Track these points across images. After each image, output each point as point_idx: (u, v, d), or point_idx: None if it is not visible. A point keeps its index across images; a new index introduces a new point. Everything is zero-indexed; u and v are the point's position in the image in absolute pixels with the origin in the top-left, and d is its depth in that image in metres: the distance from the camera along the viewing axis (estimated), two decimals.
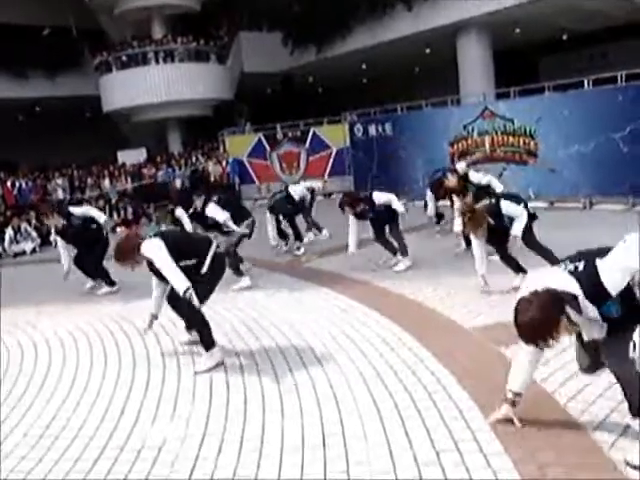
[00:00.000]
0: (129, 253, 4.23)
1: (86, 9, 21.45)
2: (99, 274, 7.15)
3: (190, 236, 5.75)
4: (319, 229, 9.20)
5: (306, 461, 2.84)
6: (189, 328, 4.68)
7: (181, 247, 4.31)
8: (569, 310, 2.46)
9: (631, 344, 2.33)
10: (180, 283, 4.06)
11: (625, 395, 2.67)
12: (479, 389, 3.35)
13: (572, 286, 2.50)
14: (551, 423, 2.91)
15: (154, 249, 4.16)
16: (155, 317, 4.64)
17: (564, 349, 3.81)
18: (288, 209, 8.40)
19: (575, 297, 2.48)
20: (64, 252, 7.14)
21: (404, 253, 6.62)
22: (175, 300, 4.44)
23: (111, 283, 7.07)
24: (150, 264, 4.27)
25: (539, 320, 2.41)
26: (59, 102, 21.79)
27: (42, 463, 3.12)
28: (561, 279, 2.55)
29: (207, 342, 4.22)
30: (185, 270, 4.15)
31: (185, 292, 4.01)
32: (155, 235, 4.31)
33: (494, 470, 2.60)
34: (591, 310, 2.50)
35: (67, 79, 21.86)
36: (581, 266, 2.55)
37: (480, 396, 3.25)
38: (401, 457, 2.77)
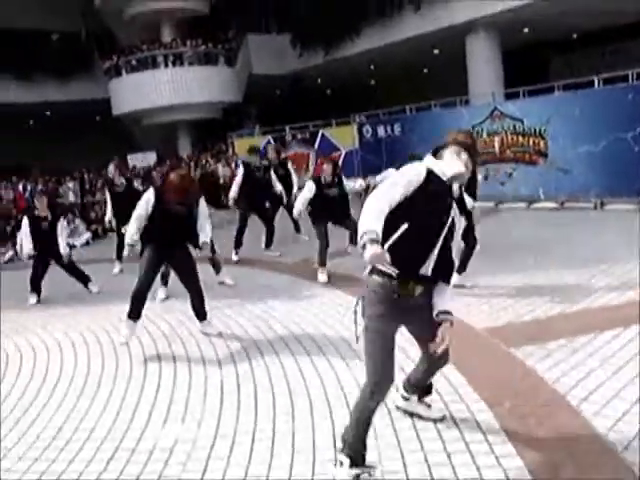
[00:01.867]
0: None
1: (95, 13, 21.64)
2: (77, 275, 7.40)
3: None
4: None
5: (317, 461, 2.84)
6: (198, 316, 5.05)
7: None
8: None
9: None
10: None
11: None
12: (490, 390, 3.33)
13: None
14: (564, 424, 2.89)
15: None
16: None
17: (576, 349, 3.80)
18: None
19: None
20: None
21: None
22: None
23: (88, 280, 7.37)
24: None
25: None
26: (69, 106, 21.98)
27: (55, 464, 3.14)
28: None
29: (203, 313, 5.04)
30: None
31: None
32: None
33: (505, 470, 2.59)
34: None
35: (77, 83, 22.08)
36: None
37: (491, 397, 3.24)
38: (412, 457, 2.77)
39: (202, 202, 5.03)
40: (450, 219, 2.51)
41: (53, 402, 4.00)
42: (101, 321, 5.85)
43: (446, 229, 2.50)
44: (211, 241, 5.33)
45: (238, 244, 8.19)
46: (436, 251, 2.49)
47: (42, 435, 3.51)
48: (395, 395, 3.17)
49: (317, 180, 6.62)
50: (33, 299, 7.21)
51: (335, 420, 3.23)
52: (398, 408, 3.19)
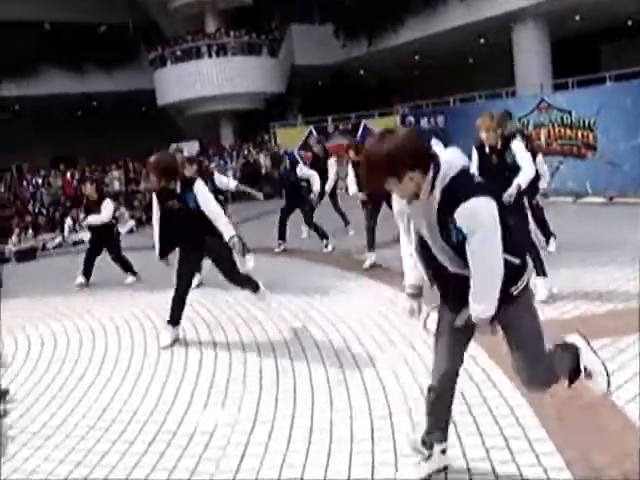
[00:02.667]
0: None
1: (141, 5, 22.02)
2: (122, 264, 7.56)
3: None
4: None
5: (354, 451, 2.85)
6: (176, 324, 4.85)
7: None
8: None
9: None
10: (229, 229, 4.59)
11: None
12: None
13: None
14: (608, 426, 2.82)
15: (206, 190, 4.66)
16: None
17: (622, 349, 3.69)
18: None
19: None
20: None
21: None
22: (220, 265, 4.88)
23: (134, 273, 7.53)
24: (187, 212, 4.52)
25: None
26: (116, 97, 22.48)
27: (100, 443, 3.25)
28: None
29: (256, 285, 5.05)
30: None
31: (231, 239, 4.54)
32: None
33: (545, 469, 2.54)
34: None
35: (123, 74, 22.54)
36: None
37: (533, 397, 3.18)
38: (450, 452, 2.75)
39: (198, 186, 4.58)
40: None
41: (98, 384, 4.13)
42: (144, 308, 5.99)
43: None
44: None
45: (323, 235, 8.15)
46: None
47: (88, 414, 3.64)
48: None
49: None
50: (80, 279, 7.46)
51: (373, 412, 3.23)
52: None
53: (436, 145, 8.28)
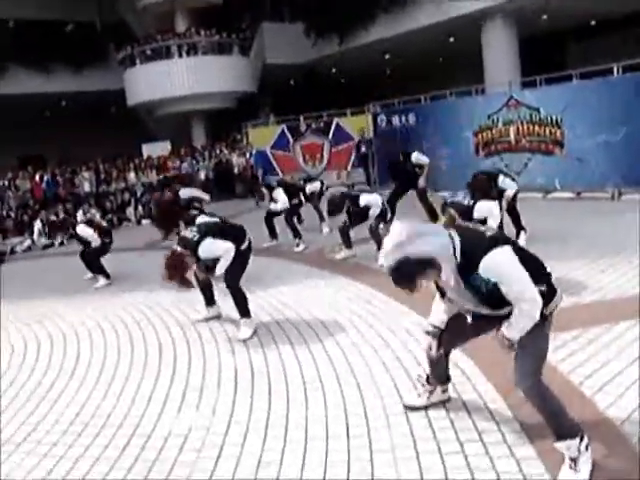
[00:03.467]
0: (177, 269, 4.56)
1: (109, 4, 21.69)
2: (97, 269, 7.44)
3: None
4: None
5: (330, 448, 2.87)
6: (210, 304, 5.21)
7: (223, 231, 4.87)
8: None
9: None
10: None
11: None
12: (503, 381, 3.32)
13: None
14: (578, 414, 2.88)
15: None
16: None
17: (590, 341, 3.78)
18: None
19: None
20: None
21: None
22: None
23: (107, 276, 7.39)
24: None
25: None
26: (84, 96, 22.09)
27: (73, 449, 3.20)
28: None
29: (246, 311, 4.76)
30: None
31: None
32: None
33: (517, 460, 2.59)
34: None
35: (92, 73, 22.16)
36: None
37: (504, 388, 3.23)
38: (425, 445, 2.78)
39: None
40: None
41: (70, 390, 4.07)
42: (118, 311, 5.92)
43: None
44: None
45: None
46: None
47: (60, 419, 3.58)
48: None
49: None
50: (102, 281, 7.36)
51: (348, 409, 3.25)
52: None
53: (418, 156, 8.37)
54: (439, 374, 3.09)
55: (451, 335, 2.87)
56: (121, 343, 4.90)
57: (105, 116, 23.44)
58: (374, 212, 6.74)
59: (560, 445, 2.47)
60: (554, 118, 10.34)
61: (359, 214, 6.80)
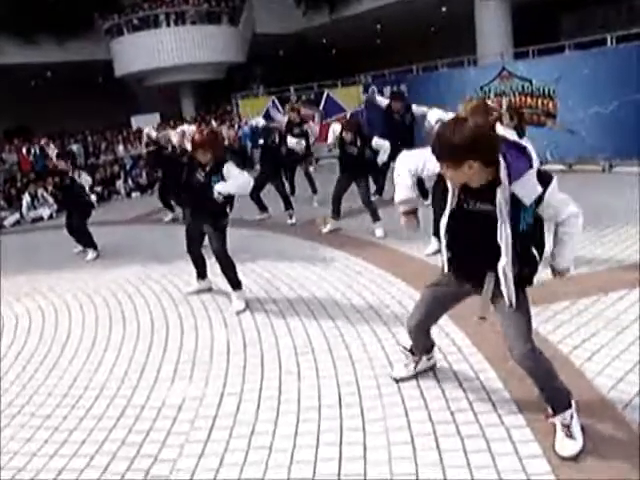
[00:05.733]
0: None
1: None
2: (85, 239, 7.38)
3: None
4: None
5: (322, 418, 2.90)
6: (201, 277, 5.19)
7: None
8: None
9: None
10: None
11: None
12: (492, 350, 3.36)
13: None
14: (567, 383, 2.92)
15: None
16: None
17: (580, 311, 3.82)
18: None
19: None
20: None
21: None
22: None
23: (95, 247, 7.33)
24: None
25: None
26: (71, 67, 21.68)
27: (67, 421, 3.22)
28: None
29: (236, 282, 4.76)
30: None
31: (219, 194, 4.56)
32: None
33: (507, 428, 2.64)
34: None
35: (78, 44, 21.71)
36: None
37: (494, 358, 3.27)
38: (416, 415, 2.82)
39: (229, 167, 4.61)
40: None
41: (63, 361, 4.07)
42: (109, 284, 5.90)
43: None
44: None
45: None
46: None
47: (54, 392, 3.60)
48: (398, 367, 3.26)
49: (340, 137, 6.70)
50: (92, 254, 7.30)
51: (340, 378, 3.28)
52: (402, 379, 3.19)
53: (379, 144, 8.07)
54: (421, 345, 3.10)
55: (429, 307, 2.81)
56: (113, 316, 4.90)
57: (92, 87, 23.06)
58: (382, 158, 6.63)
59: (558, 419, 2.50)
60: (547, 89, 10.29)
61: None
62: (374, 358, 3.50)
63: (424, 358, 3.18)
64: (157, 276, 5.88)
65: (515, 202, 2.27)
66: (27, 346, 4.47)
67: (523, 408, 2.76)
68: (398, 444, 2.63)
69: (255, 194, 7.95)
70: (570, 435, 2.46)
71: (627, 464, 2.33)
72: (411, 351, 3.17)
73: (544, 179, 2.33)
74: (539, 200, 2.31)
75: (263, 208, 8.32)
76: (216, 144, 4.63)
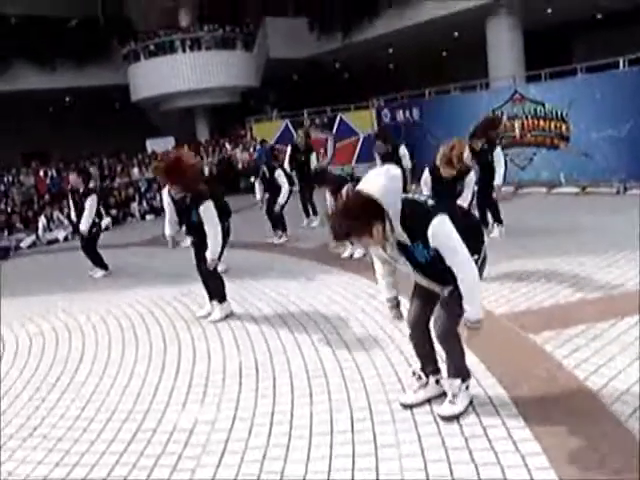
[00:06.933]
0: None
1: None
2: (95, 258, 7.55)
3: None
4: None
5: (335, 443, 2.87)
6: (211, 297, 5.18)
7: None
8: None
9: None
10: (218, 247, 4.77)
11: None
12: (507, 375, 3.32)
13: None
14: (582, 410, 2.88)
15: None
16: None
17: (596, 336, 3.77)
18: None
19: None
20: None
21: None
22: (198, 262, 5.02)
23: (105, 267, 7.53)
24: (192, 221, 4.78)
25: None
26: (88, 92, 22.08)
27: (78, 444, 3.21)
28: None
29: (220, 296, 5.00)
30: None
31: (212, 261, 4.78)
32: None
33: (523, 455, 2.59)
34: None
35: (96, 69, 22.10)
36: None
37: (509, 383, 3.23)
38: (429, 440, 2.78)
39: (206, 206, 4.66)
40: None
41: (75, 384, 4.08)
42: (122, 305, 5.93)
43: None
44: None
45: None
46: None
47: (66, 414, 3.59)
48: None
49: None
50: (99, 273, 7.48)
51: (352, 403, 3.25)
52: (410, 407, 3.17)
53: (403, 153, 8.22)
54: (425, 352, 3.14)
55: (421, 299, 3.02)
56: (126, 338, 4.91)
57: (109, 112, 23.43)
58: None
59: (449, 382, 2.97)
60: (559, 112, 10.30)
61: None
62: (387, 383, 3.46)
63: (432, 381, 3.14)
64: (170, 298, 5.90)
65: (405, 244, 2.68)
66: (41, 366, 4.49)
67: (538, 434, 2.72)
68: (411, 470, 2.59)
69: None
70: (453, 402, 2.94)
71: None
72: (420, 377, 3.16)
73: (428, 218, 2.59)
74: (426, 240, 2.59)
75: (284, 229, 8.39)
76: (180, 174, 4.51)
